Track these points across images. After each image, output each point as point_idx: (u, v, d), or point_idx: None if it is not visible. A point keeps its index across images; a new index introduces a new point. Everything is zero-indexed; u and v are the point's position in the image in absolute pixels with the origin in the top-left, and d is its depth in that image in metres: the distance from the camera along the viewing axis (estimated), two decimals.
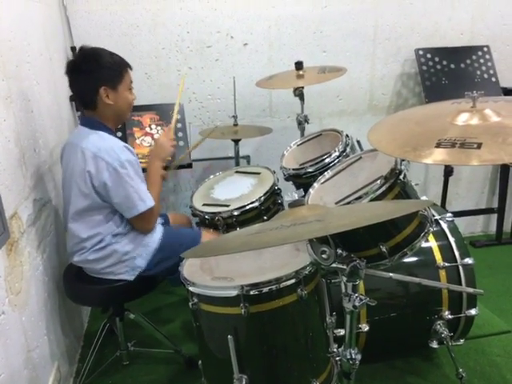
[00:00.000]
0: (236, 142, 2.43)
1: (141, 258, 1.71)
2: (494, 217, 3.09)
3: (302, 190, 1.63)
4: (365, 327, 1.68)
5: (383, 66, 2.77)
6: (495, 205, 3.08)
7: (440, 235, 1.80)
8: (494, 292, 2.46)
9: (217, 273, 1.41)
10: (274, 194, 1.97)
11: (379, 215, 1.05)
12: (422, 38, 2.74)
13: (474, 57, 2.71)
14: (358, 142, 1.99)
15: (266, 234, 1.05)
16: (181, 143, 2.34)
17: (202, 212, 1.93)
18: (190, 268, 1.44)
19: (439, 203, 2.84)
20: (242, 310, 1.24)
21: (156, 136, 2.33)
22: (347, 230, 0.92)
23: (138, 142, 2.31)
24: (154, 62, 2.52)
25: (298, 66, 2.23)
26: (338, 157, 1.84)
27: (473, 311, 1.75)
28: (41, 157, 1.79)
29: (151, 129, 2.35)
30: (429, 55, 2.68)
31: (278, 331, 1.31)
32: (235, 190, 2.03)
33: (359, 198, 1.31)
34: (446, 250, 1.77)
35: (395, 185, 1.33)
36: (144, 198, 1.62)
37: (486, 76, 2.69)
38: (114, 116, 1.69)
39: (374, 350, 1.74)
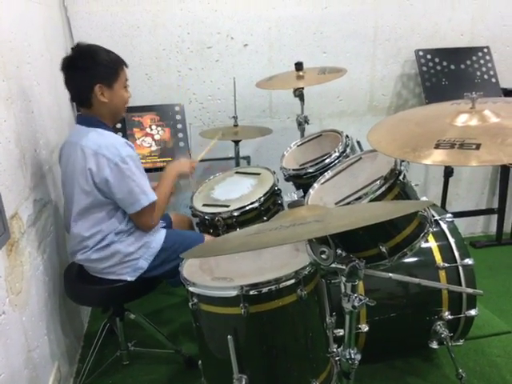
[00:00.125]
0: (236, 142, 2.44)
1: (143, 260, 1.72)
2: (494, 217, 3.09)
3: (301, 190, 1.63)
4: (364, 327, 1.68)
5: (383, 67, 2.78)
6: (495, 205, 3.08)
7: (440, 236, 1.80)
8: (494, 292, 2.46)
9: (217, 273, 1.41)
10: (273, 194, 1.98)
11: (379, 216, 1.05)
12: (422, 39, 2.74)
13: (474, 58, 2.71)
14: (358, 142, 1.99)
15: (266, 234, 1.06)
16: (181, 143, 2.35)
17: (202, 212, 1.94)
18: (190, 268, 1.45)
19: (439, 204, 2.84)
20: (242, 310, 1.24)
21: (156, 137, 2.35)
22: (347, 231, 0.92)
23: (138, 142, 2.32)
24: (154, 62, 2.53)
25: (298, 66, 2.24)
26: (337, 157, 1.84)
27: (473, 312, 1.75)
28: (41, 157, 1.79)
29: (151, 129, 2.36)
30: (429, 56, 2.68)
31: (277, 331, 1.31)
32: (235, 191, 2.03)
33: (359, 198, 1.31)
34: (445, 250, 1.77)
35: (395, 185, 1.33)
36: (146, 192, 1.62)
37: (486, 77, 2.69)
38: (110, 114, 1.68)
39: (373, 350, 1.74)
